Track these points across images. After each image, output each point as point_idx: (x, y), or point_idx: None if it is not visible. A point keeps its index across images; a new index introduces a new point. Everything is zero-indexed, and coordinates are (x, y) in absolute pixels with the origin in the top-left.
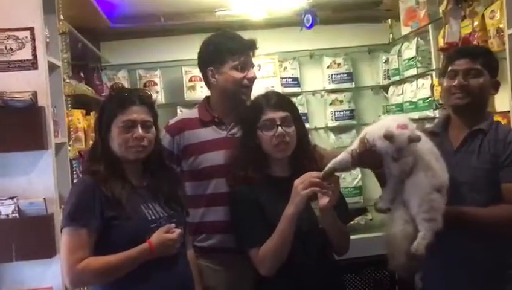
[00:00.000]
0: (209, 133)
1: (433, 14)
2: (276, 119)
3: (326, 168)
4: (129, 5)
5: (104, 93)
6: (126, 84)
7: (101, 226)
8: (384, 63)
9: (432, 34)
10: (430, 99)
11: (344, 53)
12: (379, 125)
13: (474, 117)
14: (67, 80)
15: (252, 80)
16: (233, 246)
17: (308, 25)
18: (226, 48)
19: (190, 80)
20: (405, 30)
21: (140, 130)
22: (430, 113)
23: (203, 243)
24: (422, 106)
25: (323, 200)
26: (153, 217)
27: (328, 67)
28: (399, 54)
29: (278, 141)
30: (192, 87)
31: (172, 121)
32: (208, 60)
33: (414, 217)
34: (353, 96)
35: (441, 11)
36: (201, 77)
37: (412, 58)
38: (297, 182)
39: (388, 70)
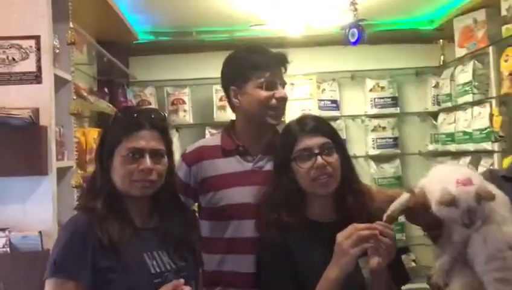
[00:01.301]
0: (231, 165)
1: (493, 34)
2: (313, 147)
3: (387, 214)
4: (159, 19)
5: None
6: (153, 102)
7: (93, 280)
8: (434, 87)
9: (493, 57)
10: (488, 130)
11: (389, 75)
12: (435, 181)
13: None
14: (74, 97)
15: (282, 100)
16: None
17: (353, 41)
18: (249, 62)
19: (221, 100)
20: (460, 52)
21: (148, 161)
22: (487, 146)
23: None
24: (479, 138)
25: (375, 259)
26: (158, 270)
27: (370, 90)
28: (452, 78)
29: (318, 174)
30: (223, 107)
31: (190, 148)
32: (230, 78)
33: (480, 278)
34: (397, 122)
35: (503, 29)
36: None
37: (468, 83)
38: (341, 237)
39: (438, 95)
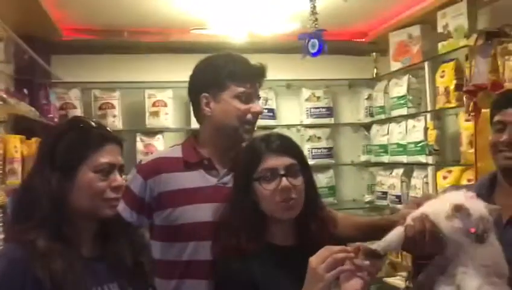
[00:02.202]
0: (194, 179)
1: (428, 50)
2: (279, 168)
3: (378, 246)
4: (87, 15)
5: (51, 115)
6: (78, 106)
7: None
8: (367, 99)
9: (428, 72)
10: (422, 143)
11: (324, 86)
12: (439, 203)
13: None
14: None
15: (257, 114)
16: None
17: (314, 52)
18: (228, 71)
19: (154, 105)
20: (395, 66)
21: (119, 177)
22: (422, 158)
23: None
24: (414, 150)
25: (353, 285)
26: None
27: (306, 100)
28: (385, 91)
29: (283, 197)
30: (156, 113)
31: (146, 160)
32: (204, 84)
33: None
34: (332, 133)
35: (440, 46)
36: (166, 103)
37: (402, 96)
38: (315, 261)
39: (371, 107)
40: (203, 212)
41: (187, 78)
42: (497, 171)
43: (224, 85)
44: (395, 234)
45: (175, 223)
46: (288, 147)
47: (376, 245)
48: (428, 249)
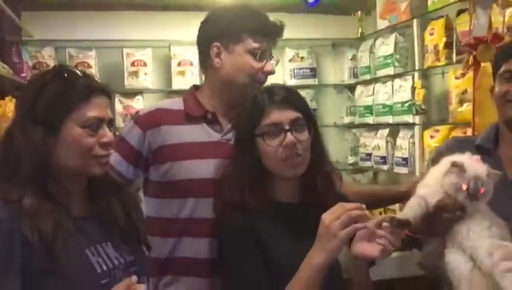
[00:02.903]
0: (196, 133)
1: (415, 7)
2: (283, 122)
3: (403, 215)
4: None
5: (24, 74)
6: (52, 65)
7: (24, 288)
8: (351, 60)
9: (417, 30)
10: (409, 103)
11: (308, 46)
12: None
13: None
14: None
15: (269, 74)
16: None
17: (312, 2)
18: (246, 23)
19: (132, 65)
20: (381, 24)
21: (109, 133)
22: (408, 118)
23: None
24: (400, 110)
25: (367, 249)
26: (105, 268)
27: (290, 60)
28: (371, 51)
29: (288, 154)
30: (135, 73)
31: (144, 111)
32: (217, 32)
33: (489, 272)
34: (315, 94)
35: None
36: (145, 62)
37: (389, 56)
38: (328, 218)
39: (355, 68)
40: (204, 168)
41: (167, 37)
42: (500, 124)
43: (240, 37)
44: (416, 205)
45: (174, 179)
46: (293, 99)
47: (403, 215)
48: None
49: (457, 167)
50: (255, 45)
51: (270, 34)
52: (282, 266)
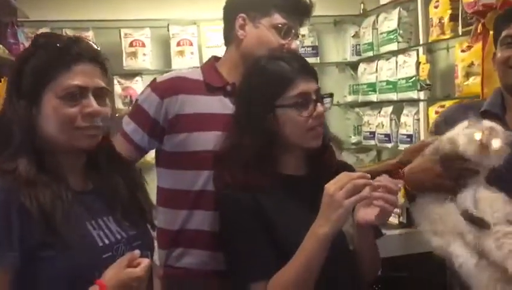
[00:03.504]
0: (214, 104)
1: None
2: (311, 93)
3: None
4: None
5: None
6: None
7: (23, 261)
8: (353, 37)
9: (421, 4)
10: (414, 78)
11: (309, 23)
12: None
13: None
14: None
15: (293, 51)
16: (224, 270)
17: None
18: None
19: (131, 45)
20: None
21: (93, 102)
22: (413, 94)
23: (176, 263)
24: (404, 87)
25: (368, 214)
26: (106, 242)
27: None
28: (374, 27)
29: (316, 123)
30: (133, 54)
31: (162, 78)
32: (244, 4)
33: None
34: (317, 73)
35: None
36: (144, 43)
37: (393, 31)
38: (332, 187)
39: (358, 45)
40: (219, 140)
41: (166, 16)
42: (503, 91)
43: (268, 11)
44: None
45: (189, 150)
46: (312, 69)
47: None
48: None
49: (474, 121)
50: (282, 21)
51: (299, 12)
52: (287, 242)
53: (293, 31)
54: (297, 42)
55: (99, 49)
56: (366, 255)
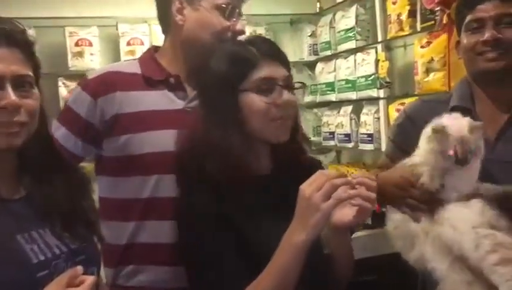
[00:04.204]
0: (157, 100)
1: None
2: (278, 79)
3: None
4: None
5: None
6: None
7: None
8: (310, 36)
9: (379, 1)
10: (373, 76)
11: (265, 23)
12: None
13: (510, 89)
14: None
15: (239, 34)
16: (185, 287)
17: None
18: None
19: (76, 45)
20: None
21: (11, 94)
22: (373, 93)
23: (127, 282)
24: (364, 85)
25: (345, 214)
26: (42, 258)
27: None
28: (331, 25)
29: (280, 113)
30: (79, 54)
31: (94, 74)
32: None
33: (477, 266)
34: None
35: None
36: (91, 42)
37: (350, 29)
38: (309, 189)
39: (315, 44)
40: (168, 139)
41: (115, 14)
42: (470, 80)
43: None
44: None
45: (133, 153)
46: (281, 53)
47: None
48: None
49: (439, 132)
50: (225, 0)
51: None
52: (262, 249)
53: (237, 10)
54: (244, 22)
55: (22, 27)
56: (342, 259)
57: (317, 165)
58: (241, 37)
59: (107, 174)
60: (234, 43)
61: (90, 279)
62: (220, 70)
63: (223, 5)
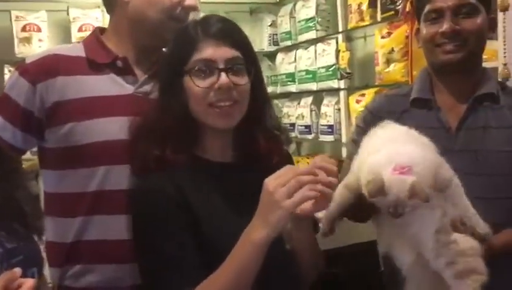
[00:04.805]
0: (104, 85)
1: None
2: (217, 61)
3: None
4: None
5: None
6: None
7: None
8: (270, 26)
9: None
10: (334, 67)
11: (224, 11)
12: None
13: (470, 77)
14: None
15: (191, 9)
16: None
17: None
18: None
19: (24, 30)
20: None
21: None
22: (333, 84)
23: (75, 283)
24: (324, 75)
25: (306, 203)
26: None
27: None
28: (291, 15)
29: (219, 98)
30: (27, 40)
31: (32, 58)
32: None
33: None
34: None
35: None
36: (39, 27)
37: (311, 19)
38: (273, 184)
39: (275, 34)
40: (117, 127)
41: None
42: (429, 70)
43: None
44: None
45: (79, 143)
46: (232, 33)
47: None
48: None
49: (376, 192)
50: None
51: None
52: (214, 242)
53: None
54: None
55: None
56: (305, 253)
57: (287, 158)
58: (195, 16)
59: (51, 168)
60: (189, 23)
61: (29, 282)
62: (167, 52)
63: None
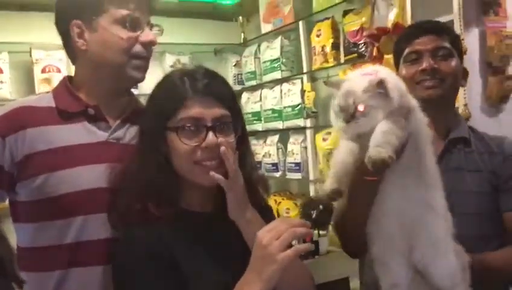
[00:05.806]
0: (76, 134)
1: (299, 10)
2: (205, 119)
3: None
4: None
5: None
6: None
7: None
8: (235, 66)
9: (303, 32)
10: (299, 106)
11: (189, 52)
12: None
13: (446, 117)
14: None
15: (149, 45)
16: None
17: None
18: None
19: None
20: (266, 27)
21: None
22: (299, 122)
23: None
24: (290, 114)
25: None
26: None
27: (171, 66)
28: (256, 56)
29: (206, 157)
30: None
31: (1, 111)
32: (74, 8)
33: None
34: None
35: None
36: (1, 69)
37: (276, 59)
38: (267, 237)
39: (240, 74)
40: (92, 176)
41: (28, 39)
42: None
43: (101, 8)
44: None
45: (53, 194)
46: (220, 90)
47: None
48: None
49: (333, 85)
50: (122, 12)
51: None
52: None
53: (142, 19)
54: (156, 31)
55: None
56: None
57: (266, 210)
58: (185, 67)
59: (24, 221)
60: (172, 74)
61: None
62: (150, 104)
63: (123, 18)
